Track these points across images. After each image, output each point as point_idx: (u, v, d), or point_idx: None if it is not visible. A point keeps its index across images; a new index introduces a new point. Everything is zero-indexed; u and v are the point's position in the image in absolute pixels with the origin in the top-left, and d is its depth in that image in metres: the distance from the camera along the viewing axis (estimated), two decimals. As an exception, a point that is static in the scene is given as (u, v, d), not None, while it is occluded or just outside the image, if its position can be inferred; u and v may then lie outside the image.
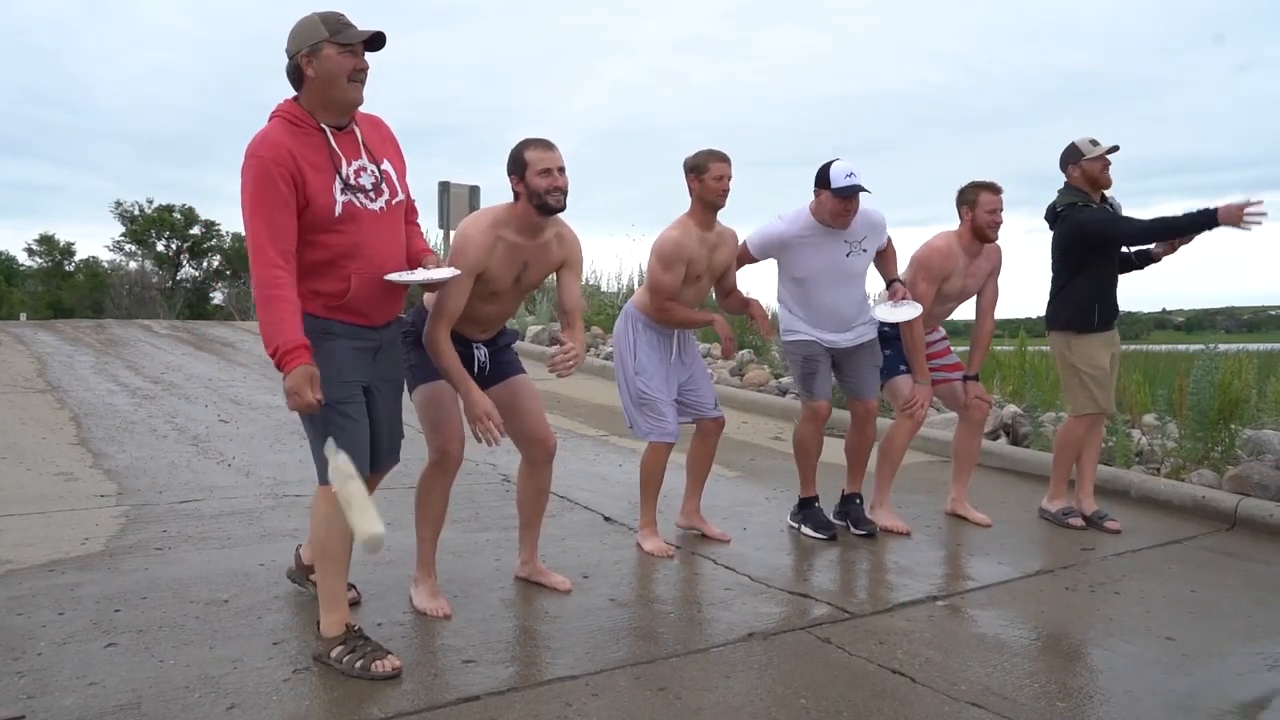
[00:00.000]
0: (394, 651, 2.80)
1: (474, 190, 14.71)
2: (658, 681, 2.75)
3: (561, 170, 3.11)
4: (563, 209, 3.14)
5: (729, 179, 3.87)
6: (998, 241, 4.50)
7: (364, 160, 2.78)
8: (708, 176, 3.84)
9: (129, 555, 3.70)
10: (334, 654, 2.72)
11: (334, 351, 2.74)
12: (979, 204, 4.36)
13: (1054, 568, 4.03)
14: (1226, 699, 2.85)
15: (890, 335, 4.43)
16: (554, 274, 3.39)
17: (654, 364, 4.00)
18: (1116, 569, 4.05)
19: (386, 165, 2.85)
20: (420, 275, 2.85)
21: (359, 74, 2.69)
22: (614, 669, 2.82)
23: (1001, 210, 4.39)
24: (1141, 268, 4.74)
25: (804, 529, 4.36)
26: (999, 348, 8.09)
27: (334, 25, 2.65)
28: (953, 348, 4.83)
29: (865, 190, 3.99)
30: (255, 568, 3.57)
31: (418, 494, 3.27)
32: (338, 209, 2.68)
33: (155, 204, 33.60)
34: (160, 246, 33.39)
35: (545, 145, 3.14)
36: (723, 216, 4.03)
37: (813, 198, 4.12)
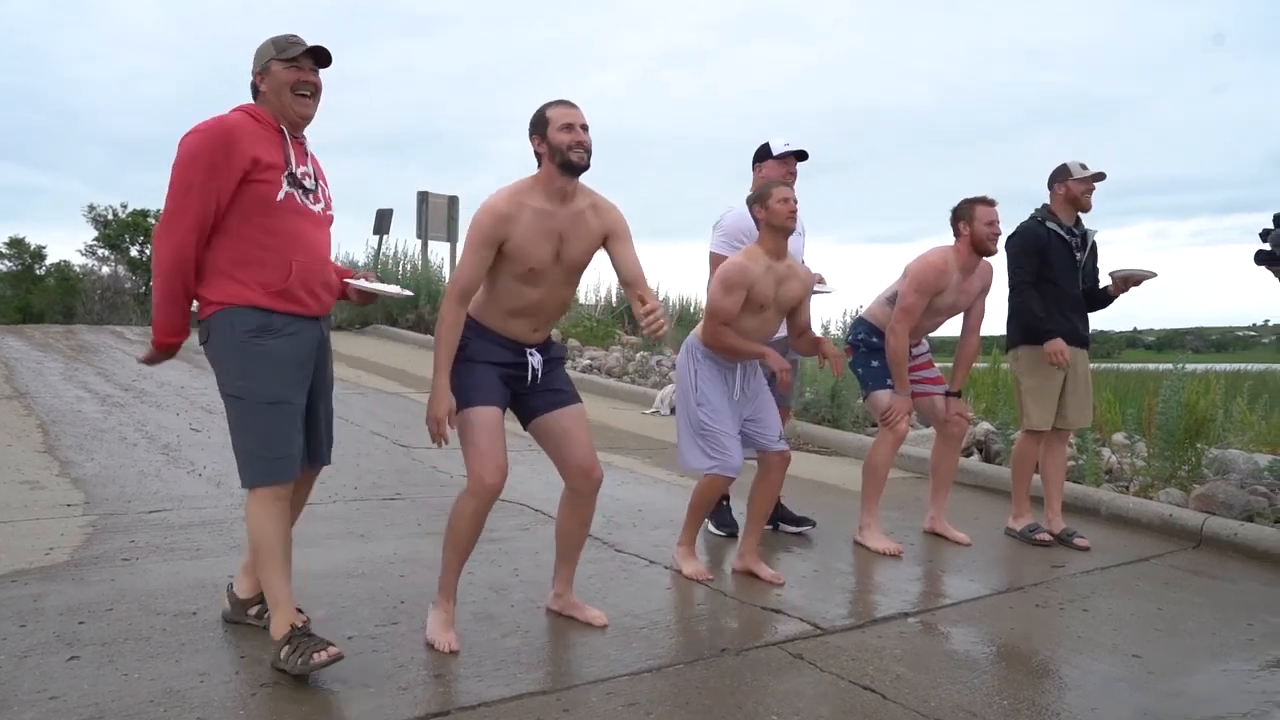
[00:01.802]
0: (365, 665, 2.77)
1: (453, 200, 14.70)
2: (629, 697, 2.74)
3: (585, 128, 2.98)
4: (586, 167, 2.99)
5: (793, 200, 3.84)
6: (991, 260, 4.55)
7: (309, 168, 2.93)
8: (771, 201, 3.80)
9: (95, 566, 3.65)
10: (282, 655, 2.73)
11: (271, 351, 2.79)
12: (976, 217, 4.40)
13: (1024, 585, 4.06)
14: (1191, 716, 2.88)
15: (878, 347, 4.48)
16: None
17: (717, 395, 3.87)
18: (1085, 586, 4.08)
19: (323, 183, 3.01)
20: (379, 286, 3.00)
21: (302, 85, 2.86)
22: (585, 684, 2.81)
23: (999, 221, 4.44)
24: (1094, 309, 4.85)
25: (710, 526, 4.66)
26: (973, 365, 8.16)
27: (281, 45, 2.86)
28: (935, 363, 4.88)
29: (804, 154, 4.42)
30: (225, 579, 3.52)
31: (450, 519, 3.09)
32: (281, 194, 2.79)
33: (129, 209, 33.30)
34: (134, 252, 33.04)
35: (567, 103, 3.02)
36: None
37: (753, 179, 4.47)
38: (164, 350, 2.90)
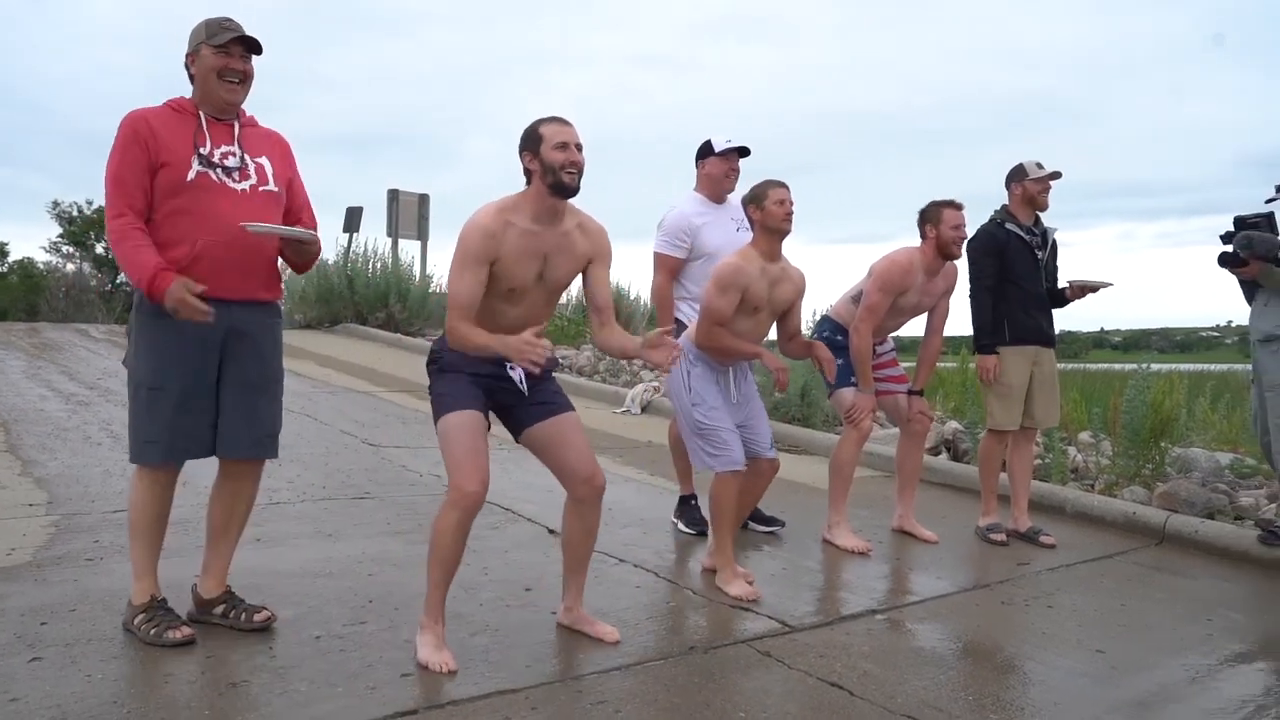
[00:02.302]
0: (333, 665, 2.76)
1: (423, 199, 14.63)
2: (597, 695, 2.75)
3: (579, 147, 2.90)
4: (577, 190, 2.91)
5: (790, 203, 3.81)
6: (957, 262, 4.61)
7: (233, 147, 2.96)
8: (768, 203, 3.78)
9: (57, 566, 3.60)
10: (136, 621, 2.93)
11: (157, 332, 2.89)
12: (943, 220, 4.43)
13: (991, 582, 4.11)
14: (1151, 709, 2.93)
15: (842, 345, 4.51)
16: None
17: (711, 394, 3.83)
18: (1050, 583, 4.13)
19: (263, 160, 3.02)
20: (278, 228, 2.94)
21: (229, 72, 2.91)
22: (553, 682, 2.81)
23: (965, 225, 4.50)
24: (1057, 304, 4.92)
25: (680, 524, 4.65)
26: (941, 364, 8.24)
27: (213, 29, 2.91)
28: (899, 361, 4.92)
29: (746, 150, 4.51)
30: (190, 579, 3.47)
31: (433, 537, 2.94)
32: (191, 174, 2.85)
33: (95, 205, 32.86)
34: (100, 249, 32.61)
35: (561, 120, 2.92)
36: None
37: (696, 177, 4.59)
38: (160, 295, 2.75)
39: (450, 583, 2.99)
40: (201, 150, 2.89)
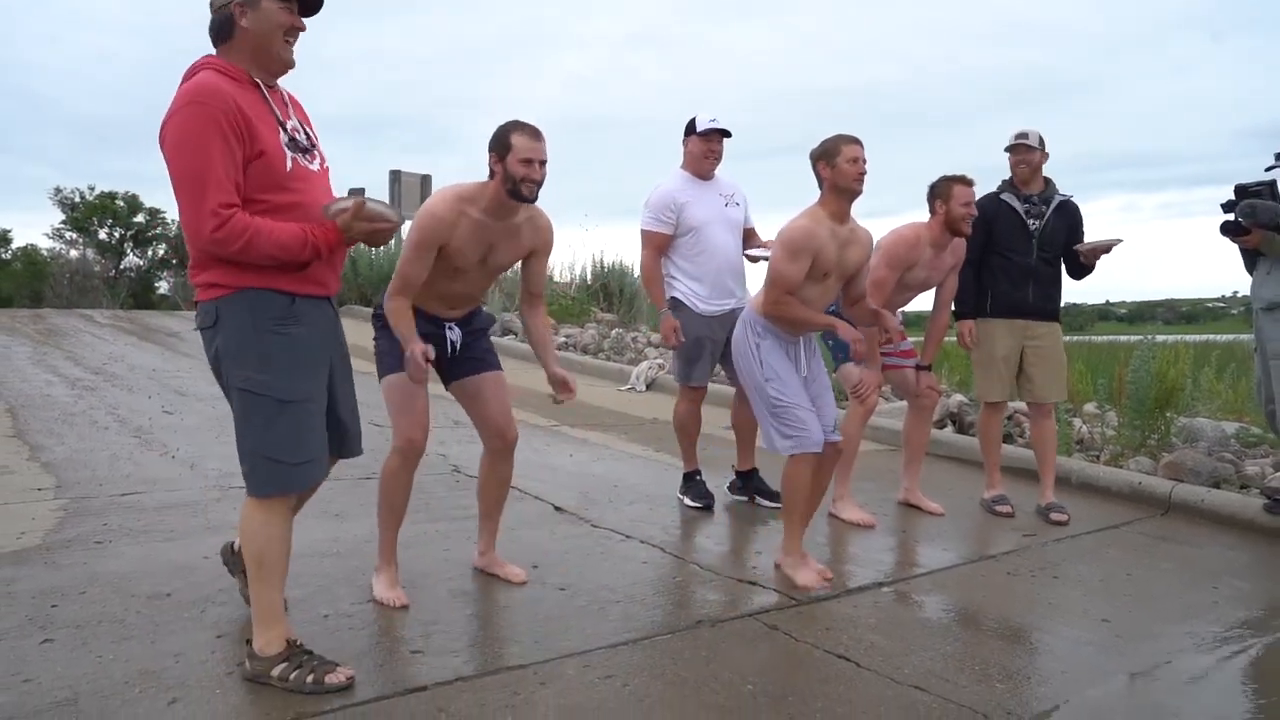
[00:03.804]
0: (341, 643, 2.77)
1: (425, 179, 14.57)
2: (606, 669, 2.76)
3: (543, 164, 3.06)
4: (532, 201, 3.09)
5: (864, 160, 3.56)
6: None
7: (295, 120, 2.61)
8: (840, 160, 3.53)
9: (67, 549, 3.62)
10: (276, 672, 2.53)
11: (296, 341, 2.52)
12: (953, 196, 4.30)
13: (996, 554, 4.12)
14: (1156, 677, 2.94)
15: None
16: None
17: (784, 368, 3.61)
18: (1056, 554, 4.14)
19: (312, 132, 2.70)
20: (367, 201, 2.57)
21: (294, 32, 2.54)
22: (562, 658, 2.83)
23: (974, 202, 4.38)
24: (1079, 277, 4.83)
25: (686, 500, 4.63)
26: (948, 339, 8.23)
27: None
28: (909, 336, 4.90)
29: (727, 133, 4.46)
30: (199, 560, 3.51)
31: (380, 483, 3.26)
32: (288, 163, 2.49)
33: (97, 191, 32.80)
34: (103, 235, 32.58)
35: (534, 134, 3.05)
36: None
37: (683, 153, 4.56)
38: (338, 240, 2.50)
39: (399, 525, 3.27)
40: (285, 127, 2.53)
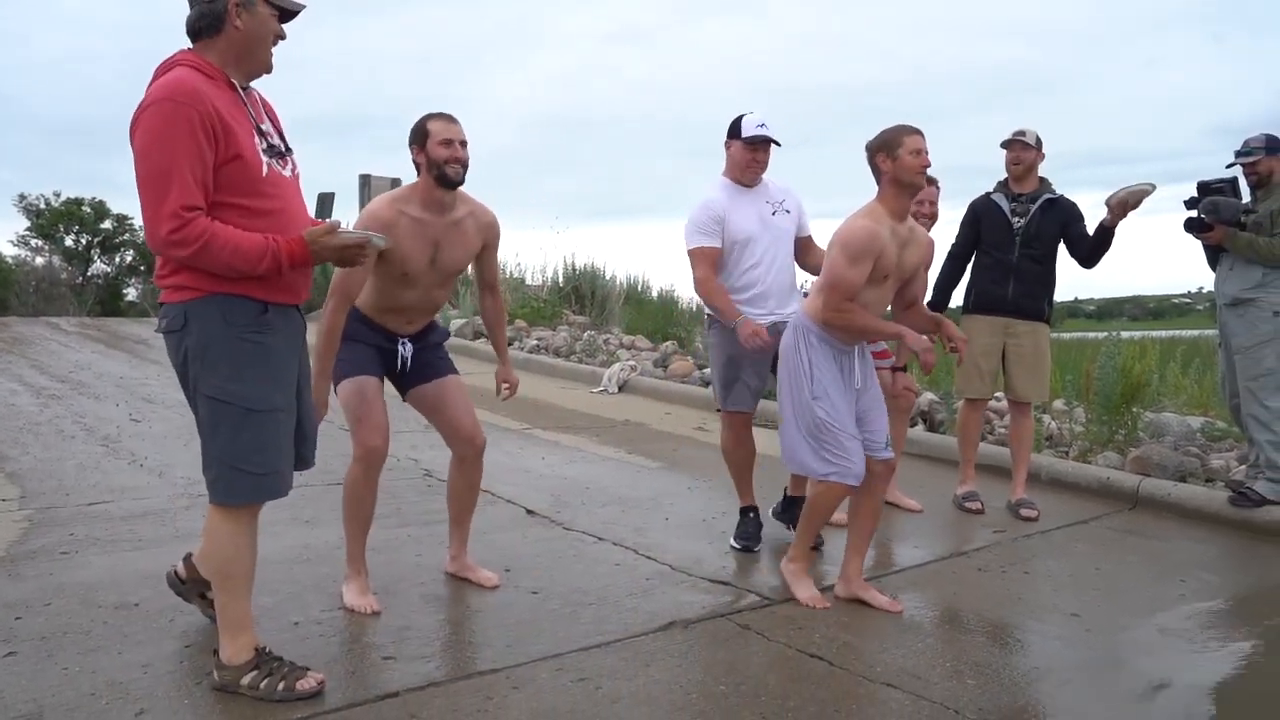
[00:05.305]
0: (313, 650, 2.75)
1: (395, 182, 14.46)
2: (578, 672, 2.76)
3: (464, 144, 3.11)
4: (461, 182, 3.13)
5: (927, 152, 3.27)
6: (932, 236, 4.38)
7: (267, 124, 2.56)
8: (902, 151, 3.23)
9: (31, 560, 3.57)
10: (246, 681, 2.49)
11: (269, 349, 2.47)
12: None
13: (968, 550, 4.15)
14: (1124, 669, 2.97)
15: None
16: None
17: (835, 387, 3.33)
18: (1026, 550, 4.18)
19: (284, 136, 2.66)
20: (369, 234, 2.59)
21: (277, 40, 2.52)
22: (534, 661, 2.82)
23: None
24: (1101, 251, 4.61)
25: (732, 540, 4.12)
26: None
27: None
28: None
29: (775, 142, 3.91)
30: (167, 569, 3.47)
31: (345, 491, 3.24)
32: (264, 168, 2.44)
33: (63, 197, 32.35)
34: (69, 241, 32.15)
35: (448, 118, 3.14)
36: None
37: (726, 157, 3.99)
38: (306, 256, 2.43)
39: (367, 533, 3.25)
40: (261, 130, 2.47)
